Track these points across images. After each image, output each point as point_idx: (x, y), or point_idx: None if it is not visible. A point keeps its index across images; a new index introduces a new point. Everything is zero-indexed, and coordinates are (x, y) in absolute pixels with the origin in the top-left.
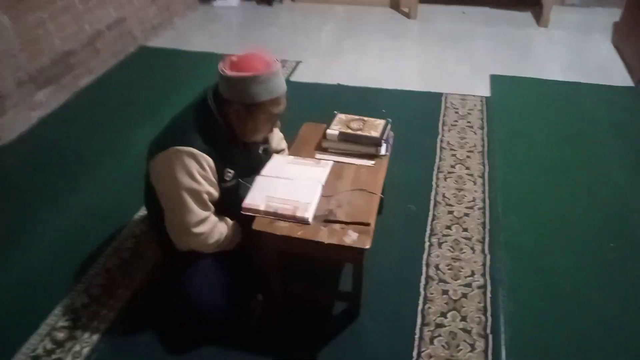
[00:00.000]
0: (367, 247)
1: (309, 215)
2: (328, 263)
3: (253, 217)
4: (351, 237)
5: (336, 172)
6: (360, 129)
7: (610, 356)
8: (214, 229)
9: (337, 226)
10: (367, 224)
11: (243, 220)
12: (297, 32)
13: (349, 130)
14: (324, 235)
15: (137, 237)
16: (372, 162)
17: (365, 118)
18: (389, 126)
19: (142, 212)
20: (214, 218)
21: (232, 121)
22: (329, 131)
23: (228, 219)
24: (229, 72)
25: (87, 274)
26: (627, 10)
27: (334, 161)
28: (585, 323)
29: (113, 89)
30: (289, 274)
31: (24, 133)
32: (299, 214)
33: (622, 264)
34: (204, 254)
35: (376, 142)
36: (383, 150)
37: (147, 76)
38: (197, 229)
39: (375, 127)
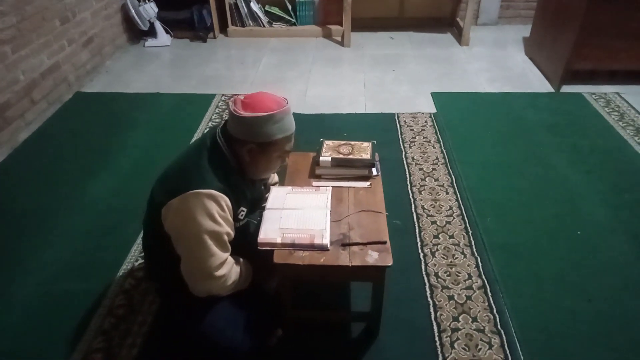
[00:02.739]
0: (390, 264)
1: (327, 241)
2: (334, 285)
3: (270, 252)
4: (373, 257)
5: (336, 197)
6: (350, 153)
7: (600, 326)
8: (232, 269)
9: (355, 248)
10: (384, 242)
11: (250, 256)
12: (237, 65)
13: (341, 155)
14: (346, 259)
15: (127, 292)
16: (367, 183)
17: (352, 142)
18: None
19: (126, 266)
20: (230, 259)
21: (243, 160)
22: (322, 158)
23: (239, 258)
24: (243, 113)
25: (81, 341)
26: (535, 27)
27: (332, 186)
28: (573, 302)
29: (56, 140)
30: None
31: None
32: (317, 241)
33: (587, 243)
34: (220, 296)
35: (370, 164)
36: (375, 171)
37: (88, 123)
38: (219, 272)
39: (363, 149)
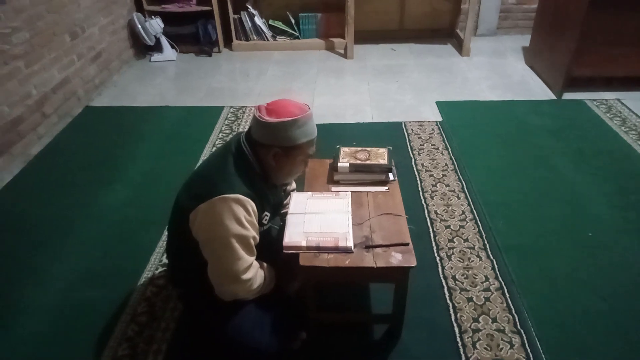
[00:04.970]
0: (414, 264)
1: (351, 243)
2: (354, 288)
3: (293, 256)
4: (397, 258)
5: (356, 201)
6: (367, 159)
7: (615, 322)
8: (257, 273)
9: (379, 250)
10: (407, 244)
11: (272, 261)
12: (243, 78)
13: (358, 161)
14: (371, 260)
15: (149, 300)
16: (385, 187)
17: (368, 148)
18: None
19: (146, 274)
20: (256, 263)
21: (268, 165)
22: (340, 164)
23: (263, 262)
24: (268, 119)
25: (107, 347)
26: (534, 36)
27: (350, 191)
28: (588, 300)
29: (67, 153)
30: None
31: None
32: (341, 244)
33: (597, 243)
34: (245, 300)
35: (387, 169)
36: (391, 176)
37: (99, 136)
38: (245, 275)
39: (380, 155)
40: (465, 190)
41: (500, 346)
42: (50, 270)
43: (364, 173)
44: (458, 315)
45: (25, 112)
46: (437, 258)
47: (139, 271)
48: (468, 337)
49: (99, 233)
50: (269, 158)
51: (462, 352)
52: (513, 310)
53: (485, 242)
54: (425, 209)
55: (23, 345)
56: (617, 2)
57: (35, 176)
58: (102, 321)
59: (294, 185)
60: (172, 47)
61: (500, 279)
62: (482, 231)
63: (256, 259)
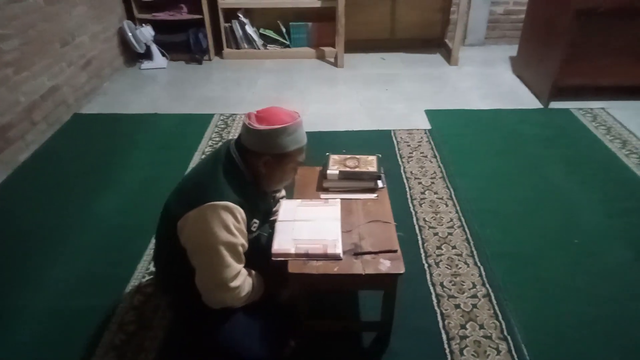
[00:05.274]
0: (402, 271)
1: (340, 251)
2: (343, 295)
3: (283, 263)
4: (385, 265)
5: (345, 208)
6: (357, 166)
7: (603, 328)
8: (246, 281)
9: (367, 257)
10: (395, 251)
11: (261, 269)
12: (234, 86)
13: (347, 169)
14: (359, 268)
15: (137, 308)
16: (374, 195)
17: (357, 156)
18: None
19: (134, 282)
20: (244, 270)
21: (258, 172)
22: (329, 171)
23: (251, 270)
24: (259, 126)
25: (94, 355)
26: (522, 46)
27: (340, 199)
28: (576, 306)
29: (56, 160)
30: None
31: None
32: (330, 251)
33: (586, 250)
34: (234, 308)
35: (376, 177)
36: (380, 183)
37: (88, 143)
38: (234, 283)
39: (369, 162)
40: (454, 197)
41: (487, 352)
42: (37, 279)
43: (353, 180)
44: (446, 322)
45: (14, 119)
46: (426, 265)
47: (127, 279)
48: (456, 344)
49: (88, 241)
50: (259, 165)
51: (449, 359)
52: (500, 317)
53: (473, 249)
54: (414, 216)
55: (8, 353)
56: (602, 13)
57: (24, 183)
58: (89, 329)
59: (283, 192)
60: (163, 54)
61: (487, 285)
62: (470, 238)
63: (245, 267)
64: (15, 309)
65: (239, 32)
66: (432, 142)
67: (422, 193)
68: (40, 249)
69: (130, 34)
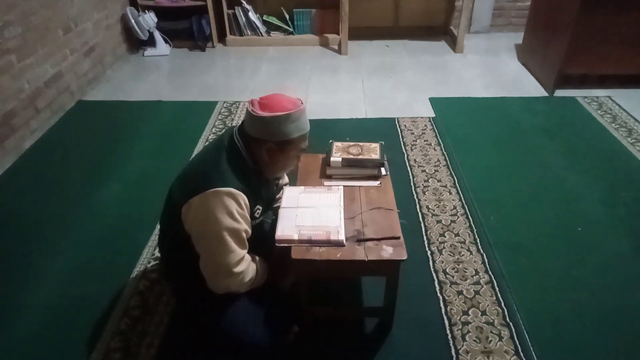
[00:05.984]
0: (405, 258)
1: (343, 237)
2: (346, 282)
3: (286, 249)
4: (388, 251)
5: (348, 196)
6: (360, 154)
7: (604, 317)
8: (249, 266)
9: (370, 244)
10: (398, 237)
11: (265, 255)
12: (237, 74)
13: (351, 156)
14: (362, 254)
15: (142, 294)
16: (377, 182)
17: (360, 143)
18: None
19: (139, 268)
20: (248, 256)
21: (261, 159)
22: (332, 158)
23: (255, 256)
24: (262, 113)
25: (99, 340)
26: (527, 34)
27: (343, 186)
28: (577, 295)
29: (60, 148)
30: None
31: None
32: (333, 237)
33: (588, 239)
34: (238, 294)
35: (379, 164)
36: (383, 170)
37: (92, 131)
38: (237, 269)
39: (372, 150)
40: (457, 185)
41: (490, 338)
42: (42, 266)
43: (356, 167)
44: (448, 308)
45: (18, 106)
46: (429, 252)
47: (132, 265)
48: (457, 330)
49: (92, 229)
50: (262, 152)
51: (451, 345)
52: (502, 304)
53: (476, 237)
54: (417, 203)
55: (15, 341)
56: (609, 1)
57: (28, 171)
58: (95, 315)
59: (286, 179)
60: (166, 42)
61: (490, 272)
62: (473, 226)
63: (249, 253)
64: (22, 295)
65: (242, 18)
66: (436, 130)
67: (426, 181)
68: (45, 236)
69: (133, 21)
